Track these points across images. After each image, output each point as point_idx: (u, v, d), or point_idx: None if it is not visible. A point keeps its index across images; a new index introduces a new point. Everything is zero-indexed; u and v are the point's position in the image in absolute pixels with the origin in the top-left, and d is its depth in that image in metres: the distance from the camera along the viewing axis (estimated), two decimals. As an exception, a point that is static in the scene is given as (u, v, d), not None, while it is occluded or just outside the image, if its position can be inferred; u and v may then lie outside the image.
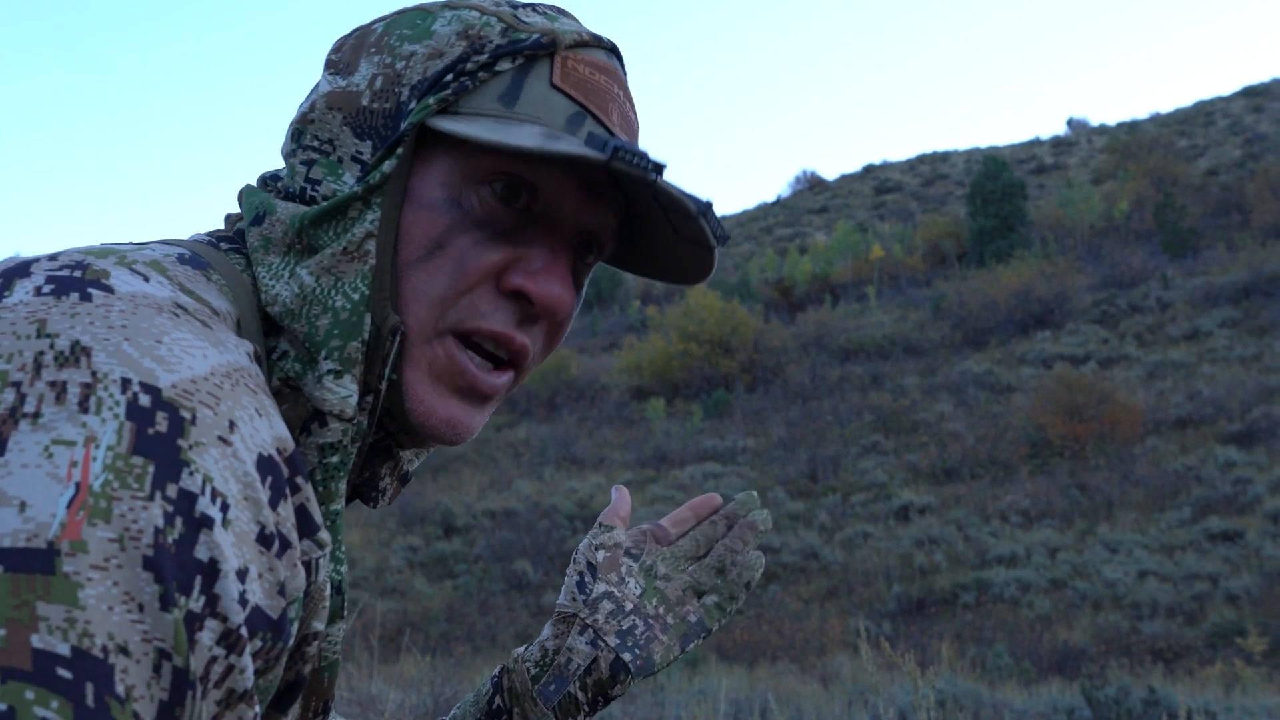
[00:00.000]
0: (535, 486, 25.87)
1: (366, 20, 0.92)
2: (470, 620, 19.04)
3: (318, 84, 0.88)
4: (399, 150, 0.82)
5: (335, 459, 0.81)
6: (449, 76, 0.83)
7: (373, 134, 0.83)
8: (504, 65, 0.84)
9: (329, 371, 0.80)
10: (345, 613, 0.83)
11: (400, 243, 0.82)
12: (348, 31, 0.90)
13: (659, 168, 0.79)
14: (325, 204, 0.82)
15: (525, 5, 0.88)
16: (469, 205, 0.83)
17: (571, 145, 0.79)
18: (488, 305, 0.84)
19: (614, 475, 26.72)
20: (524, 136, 0.79)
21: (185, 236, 0.88)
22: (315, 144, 0.85)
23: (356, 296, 0.80)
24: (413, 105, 0.82)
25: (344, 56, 0.87)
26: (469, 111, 0.82)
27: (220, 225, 0.92)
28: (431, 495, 25.34)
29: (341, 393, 0.80)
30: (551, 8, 0.89)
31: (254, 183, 0.90)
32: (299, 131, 0.87)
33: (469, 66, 0.83)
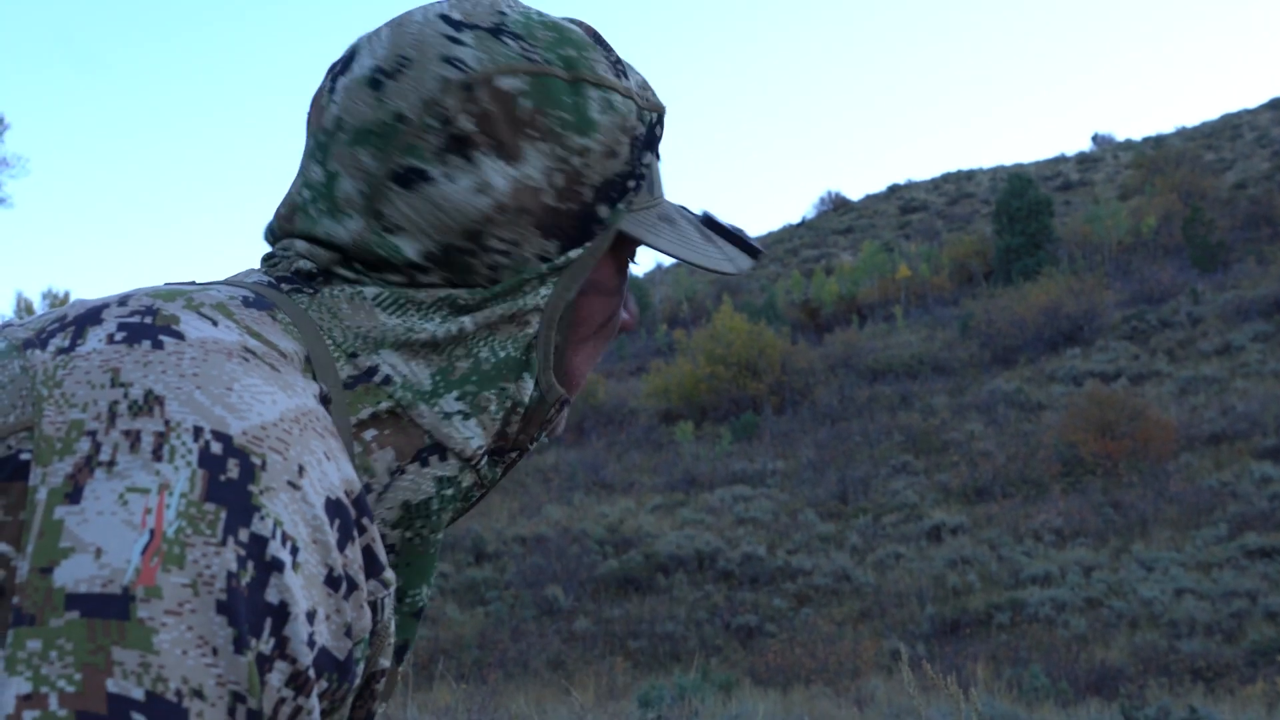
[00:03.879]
0: (565, 512, 25.85)
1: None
2: (502, 647, 19.02)
3: (478, 168, 0.81)
4: (588, 244, 0.85)
5: (449, 491, 0.84)
6: (631, 183, 0.86)
7: (559, 233, 0.83)
8: (650, 158, 0.89)
9: (459, 412, 0.82)
10: (413, 637, 0.87)
11: (578, 323, 0.88)
12: (453, 79, 0.81)
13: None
14: (507, 284, 0.83)
15: (622, 65, 0.88)
16: (619, 283, 0.91)
17: (740, 263, 0.94)
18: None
19: (644, 499, 26.68)
20: (715, 259, 0.91)
21: (239, 274, 0.88)
22: (499, 246, 0.82)
23: (503, 355, 0.83)
24: (602, 210, 0.85)
25: (498, 133, 0.81)
26: (636, 207, 0.88)
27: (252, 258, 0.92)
28: (461, 522, 25.35)
29: (466, 434, 0.83)
30: (622, 60, 0.90)
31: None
32: (478, 232, 0.81)
33: (641, 171, 0.87)
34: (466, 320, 0.82)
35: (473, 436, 0.83)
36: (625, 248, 0.90)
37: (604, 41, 0.88)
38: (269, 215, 0.90)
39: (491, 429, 0.84)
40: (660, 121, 0.89)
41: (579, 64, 0.84)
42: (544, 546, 23.18)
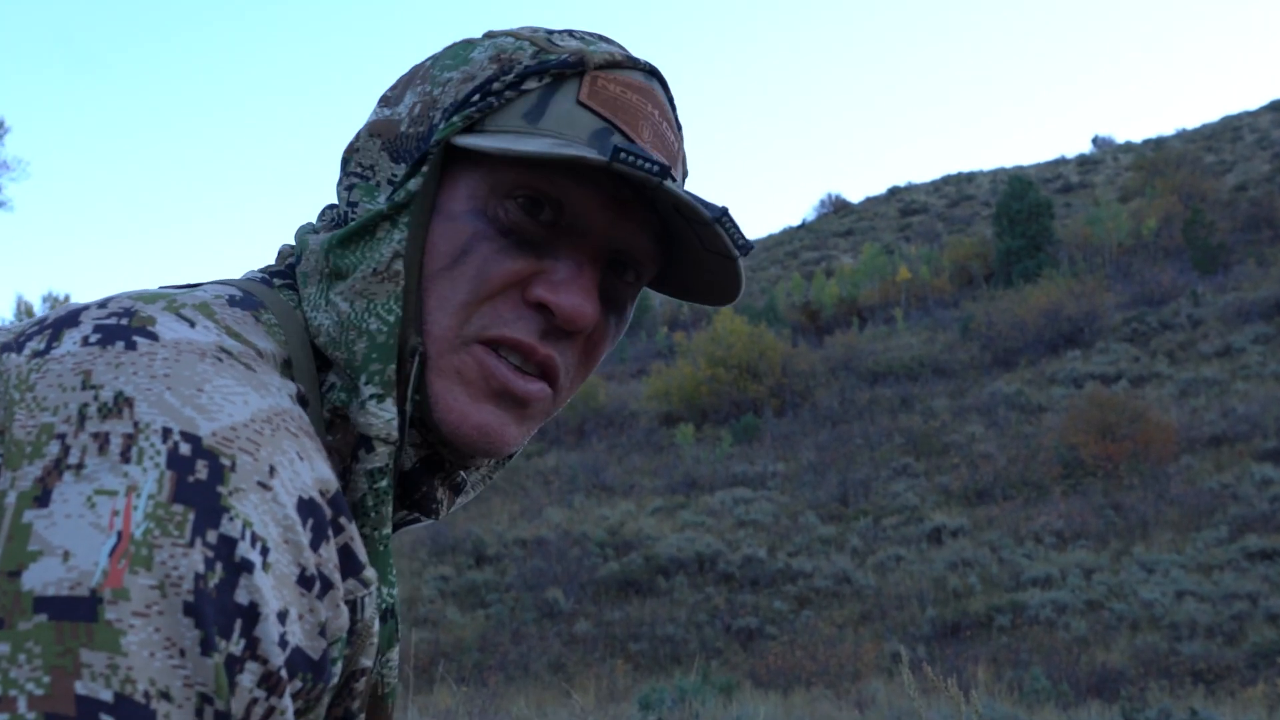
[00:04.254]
0: (566, 514, 25.84)
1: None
2: (503, 649, 19.01)
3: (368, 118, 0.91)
4: (424, 169, 0.83)
5: (384, 483, 0.81)
6: (475, 96, 0.84)
7: (406, 156, 0.85)
8: (531, 84, 0.84)
9: (371, 396, 0.80)
10: (398, 637, 0.84)
11: (427, 255, 0.83)
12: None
13: (664, 169, 0.79)
14: (351, 225, 0.83)
15: (563, 31, 0.89)
16: (493, 215, 0.83)
17: (576, 149, 0.79)
18: (511, 313, 0.83)
19: (644, 502, 26.67)
20: (533, 145, 0.79)
21: (240, 275, 0.89)
22: (358, 170, 0.87)
23: (391, 319, 0.80)
24: (441, 125, 0.84)
25: (395, 92, 0.90)
26: (493, 129, 0.83)
27: (273, 256, 0.94)
28: (462, 524, 25.35)
29: (385, 416, 0.80)
30: (591, 34, 0.90)
31: (315, 217, 0.93)
32: (346, 160, 0.89)
33: (495, 86, 0.84)
34: (340, 303, 0.82)
35: (391, 416, 0.80)
36: (488, 172, 0.83)
37: (604, 46, 0.88)
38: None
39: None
40: (576, 65, 0.85)
41: (500, 31, 0.89)
42: (544, 549, 23.17)
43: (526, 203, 0.83)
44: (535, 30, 0.88)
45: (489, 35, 0.89)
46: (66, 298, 40.20)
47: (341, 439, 0.81)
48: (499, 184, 0.83)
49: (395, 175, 0.85)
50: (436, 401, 0.83)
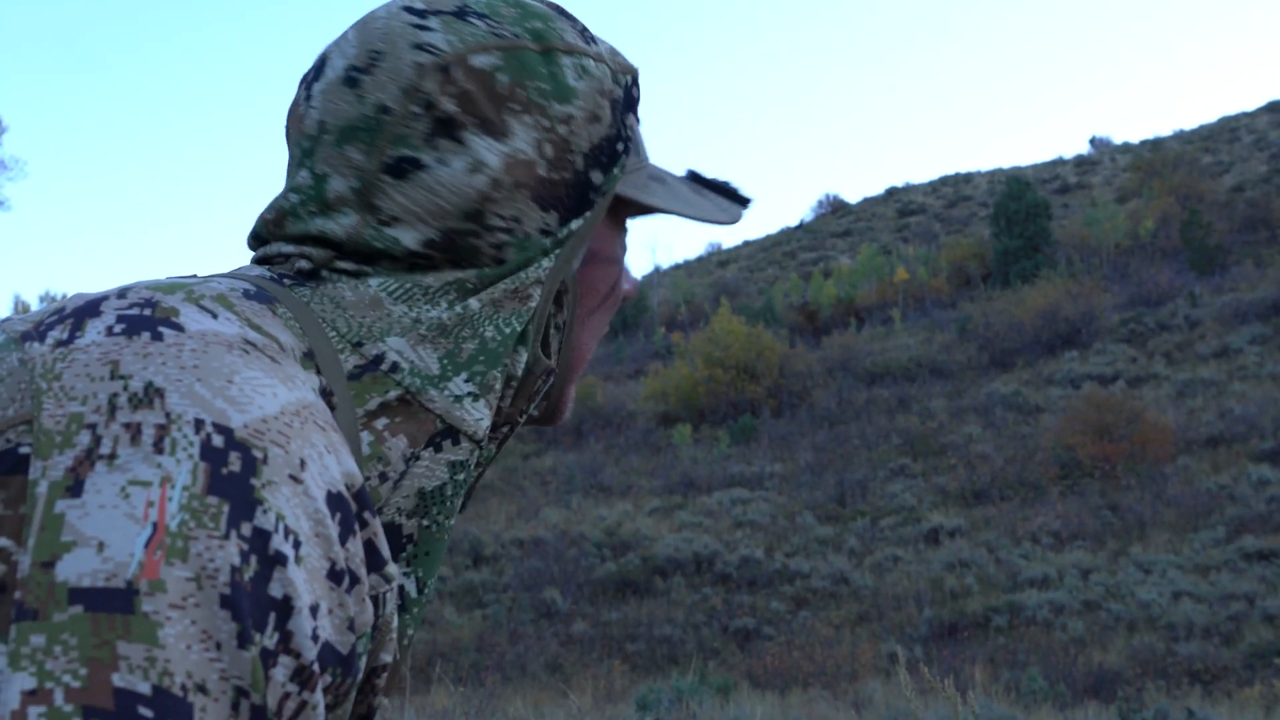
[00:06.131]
0: (563, 515, 25.82)
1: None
2: (500, 650, 19.00)
3: (469, 148, 0.81)
4: (588, 213, 0.86)
5: (462, 476, 0.83)
6: (620, 145, 0.88)
7: (557, 204, 0.84)
8: (631, 120, 0.90)
9: (469, 394, 0.81)
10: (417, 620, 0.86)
11: (585, 295, 0.90)
12: (428, 63, 0.81)
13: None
14: (514, 262, 0.83)
15: (589, 33, 0.90)
16: (619, 250, 0.94)
17: (727, 213, 0.96)
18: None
19: (641, 502, 26.66)
20: (709, 211, 0.94)
21: (241, 268, 0.87)
22: (501, 224, 0.82)
23: (508, 330, 0.82)
24: (595, 176, 0.86)
25: (481, 110, 0.81)
26: (627, 170, 0.91)
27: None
28: (459, 524, 25.33)
29: (477, 415, 0.82)
30: (588, 29, 0.92)
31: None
32: (478, 212, 0.81)
33: (626, 132, 0.89)
34: (473, 302, 0.81)
35: (482, 417, 0.82)
36: (621, 213, 0.92)
37: (568, 14, 0.89)
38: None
39: (494, 407, 0.83)
40: (635, 83, 0.91)
41: (547, 34, 0.85)
42: (542, 549, 23.15)
43: None
44: (585, 37, 0.88)
45: (554, 48, 0.84)
46: (64, 298, 40.17)
47: (406, 423, 0.80)
48: (624, 216, 0.93)
49: (547, 224, 0.83)
50: (566, 405, 0.95)
